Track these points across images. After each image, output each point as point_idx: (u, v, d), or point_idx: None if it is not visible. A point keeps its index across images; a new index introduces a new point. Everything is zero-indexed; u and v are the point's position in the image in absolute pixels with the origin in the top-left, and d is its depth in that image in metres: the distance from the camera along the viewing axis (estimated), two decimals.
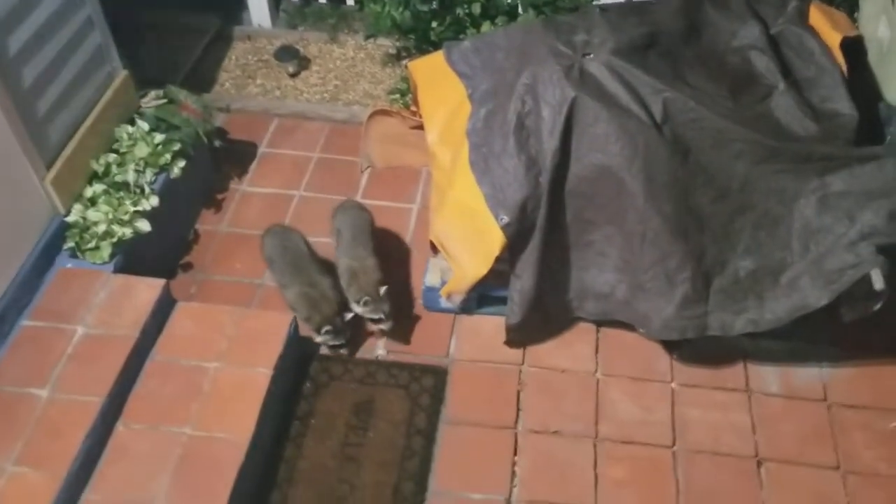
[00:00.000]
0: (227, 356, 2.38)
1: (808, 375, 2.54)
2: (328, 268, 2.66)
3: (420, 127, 3.03)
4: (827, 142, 2.47)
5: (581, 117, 2.36)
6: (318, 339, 2.53)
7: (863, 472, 2.33)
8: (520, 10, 3.33)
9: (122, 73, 2.83)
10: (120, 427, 2.23)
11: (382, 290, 2.53)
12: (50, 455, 2.12)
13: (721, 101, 2.49)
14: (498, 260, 2.48)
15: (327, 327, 2.49)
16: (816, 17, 2.79)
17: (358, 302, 2.53)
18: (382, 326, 2.59)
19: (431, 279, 2.68)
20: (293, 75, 3.67)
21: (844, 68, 2.63)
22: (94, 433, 2.17)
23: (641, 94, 2.39)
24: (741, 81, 2.59)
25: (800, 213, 2.36)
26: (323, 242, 2.93)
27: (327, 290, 2.57)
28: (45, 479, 2.07)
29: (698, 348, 2.55)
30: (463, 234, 2.57)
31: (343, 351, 2.60)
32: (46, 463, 2.10)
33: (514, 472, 2.33)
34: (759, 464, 2.35)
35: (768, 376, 2.54)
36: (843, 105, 2.55)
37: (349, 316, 2.54)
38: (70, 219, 2.56)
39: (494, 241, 2.46)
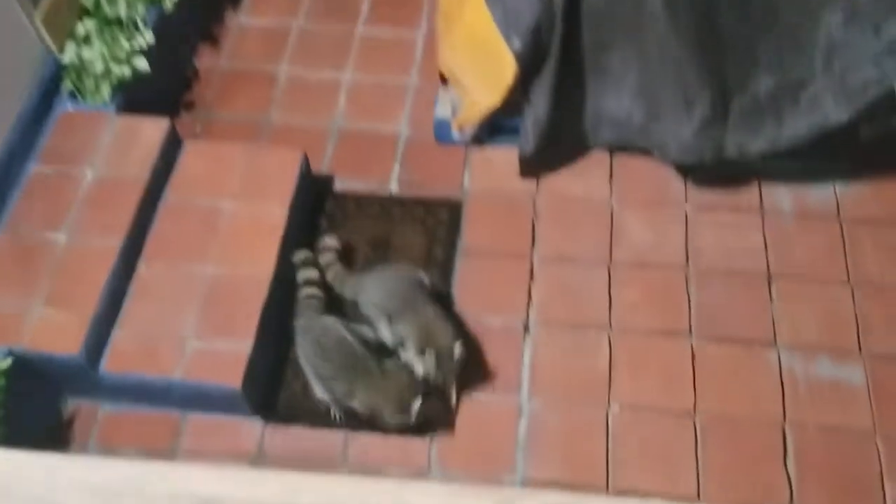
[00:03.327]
0: (241, 194, 2.36)
1: (823, 194, 2.53)
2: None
3: None
4: None
5: None
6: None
7: (871, 283, 2.36)
8: None
9: None
10: (142, 267, 2.25)
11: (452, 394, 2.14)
12: (75, 296, 2.15)
13: None
14: (511, 90, 2.41)
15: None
16: None
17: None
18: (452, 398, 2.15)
19: (442, 111, 2.61)
20: None
21: None
22: (116, 274, 2.20)
23: None
24: None
25: (825, 25, 2.26)
26: (326, 78, 2.85)
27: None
28: (74, 318, 2.11)
29: (713, 170, 2.52)
30: (473, 62, 2.48)
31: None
32: (73, 304, 2.13)
33: (530, 297, 2.38)
34: (769, 281, 2.39)
35: (782, 196, 2.53)
36: None
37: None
38: (66, 60, 2.47)
39: (507, 68, 2.37)
